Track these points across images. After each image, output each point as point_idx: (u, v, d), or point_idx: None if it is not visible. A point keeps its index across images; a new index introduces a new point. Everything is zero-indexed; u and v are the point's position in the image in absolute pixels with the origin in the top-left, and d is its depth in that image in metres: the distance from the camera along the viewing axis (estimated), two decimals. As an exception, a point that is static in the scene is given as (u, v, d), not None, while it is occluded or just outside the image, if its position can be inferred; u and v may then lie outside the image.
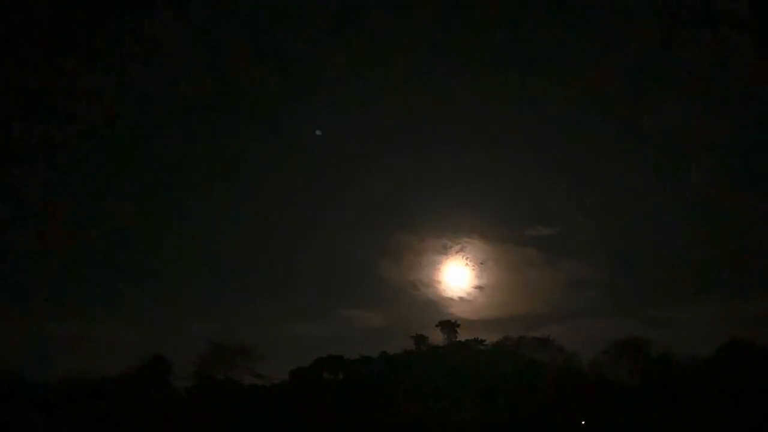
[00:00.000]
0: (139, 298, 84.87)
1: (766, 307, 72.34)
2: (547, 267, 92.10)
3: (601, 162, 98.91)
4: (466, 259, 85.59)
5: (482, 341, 68.83)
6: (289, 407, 57.65)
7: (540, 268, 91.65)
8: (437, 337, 69.80)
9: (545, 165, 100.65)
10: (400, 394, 60.11)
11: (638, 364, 60.31)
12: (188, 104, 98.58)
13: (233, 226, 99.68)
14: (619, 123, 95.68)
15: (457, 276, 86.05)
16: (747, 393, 52.12)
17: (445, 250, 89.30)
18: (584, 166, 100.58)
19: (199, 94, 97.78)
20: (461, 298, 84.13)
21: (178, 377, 61.22)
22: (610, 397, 55.94)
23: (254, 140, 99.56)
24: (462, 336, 69.88)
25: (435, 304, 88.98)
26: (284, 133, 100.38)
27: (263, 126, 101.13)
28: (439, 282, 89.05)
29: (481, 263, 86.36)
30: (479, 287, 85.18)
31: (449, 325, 70.15)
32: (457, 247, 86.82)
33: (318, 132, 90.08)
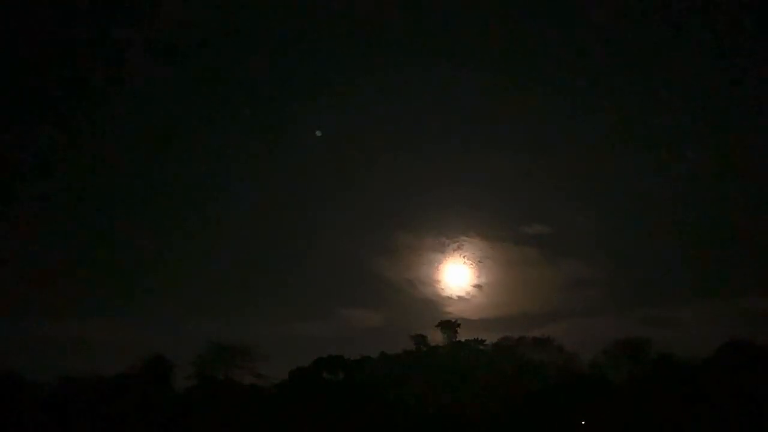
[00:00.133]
0: (139, 298, 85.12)
1: (766, 307, 72.32)
2: (546, 266, 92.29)
3: (600, 161, 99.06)
4: (464, 257, 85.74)
5: (482, 341, 68.71)
6: (289, 407, 57.66)
7: (539, 267, 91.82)
8: (437, 337, 69.74)
9: (543, 164, 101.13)
10: (400, 394, 60.10)
11: (638, 364, 60.30)
12: (189, 104, 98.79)
13: (233, 226, 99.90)
14: (618, 122, 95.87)
15: (456, 275, 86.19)
16: (747, 393, 52.13)
17: (443, 249, 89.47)
18: (583, 166, 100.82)
19: (200, 94, 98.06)
20: (460, 297, 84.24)
21: (178, 377, 61.31)
22: (610, 397, 55.94)
23: (254, 141, 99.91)
24: (461, 335, 69.81)
25: (434, 303, 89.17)
26: (284, 134, 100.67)
27: (263, 126, 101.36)
28: (437, 281, 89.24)
29: (479, 261, 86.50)
30: (478, 286, 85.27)
31: (449, 325, 70.00)
32: (455, 246, 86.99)
33: (318, 133, 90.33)
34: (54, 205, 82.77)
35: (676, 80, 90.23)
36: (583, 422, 56.22)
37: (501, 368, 61.62)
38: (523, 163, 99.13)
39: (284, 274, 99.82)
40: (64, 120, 75.08)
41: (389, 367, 64.88)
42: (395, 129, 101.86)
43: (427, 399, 58.98)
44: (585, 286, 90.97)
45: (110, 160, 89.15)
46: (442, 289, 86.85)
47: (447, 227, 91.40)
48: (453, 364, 63.25)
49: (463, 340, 69.07)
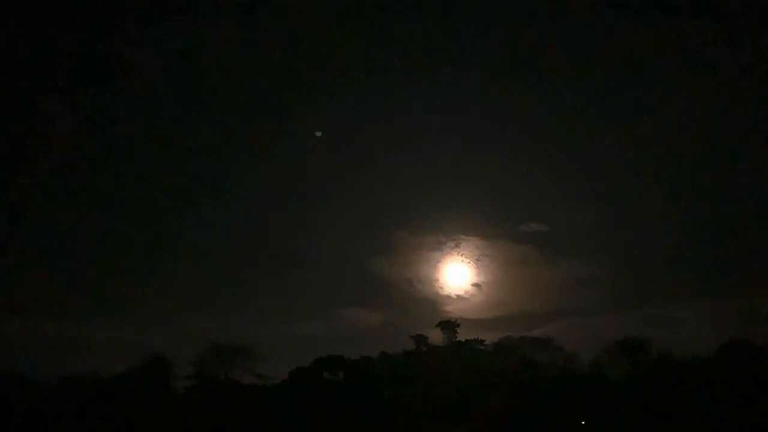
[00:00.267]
0: (139, 298, 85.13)
1: (766, 307, 72.30)
2: (545, 265, 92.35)
3: (600, 161, 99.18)
4: (462, 255, 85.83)
5: (482, 341, 68.78)
6: (289, 407, 57.66)
7: (538, 266, 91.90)
8: (437, 337, 69.79)
9: (541, 162, 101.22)
10: (400, 394, 60.11)
11: (638, 364, 60.30)
12: (189, 105, 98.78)
13: (233, 226, 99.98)
14: (618, 121, 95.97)
15: (454, 274, 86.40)
16: (747, 393, 52.10)
17: (440, 247, 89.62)
18: (582, 165, 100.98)
19: (200, 94, 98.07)
20: (458, 296, 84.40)
21: (178, 377, 61.24)
22: (611, 397, 55.92)
23: (254, 141, 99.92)
24: (460, 335, 69.87)
25: (432, 302, 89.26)
26: (284, 134, 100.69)
27: (263, 126, 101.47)
28: (436, 280, 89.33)
29: (478, 260, 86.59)
30: (477, 285, 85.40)
31: (449, 325, 70.08)
32: (452, 244, 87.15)
33: (318, 133, 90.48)
34: (54, 205, 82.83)
35: (676, 79, 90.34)
36: (583, 422, 56.23)
37: (501, 368, 61.62)
38: (521, 162, 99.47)
39: (284, 274, 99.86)
40: (63, 120, 75.21)
41: (389, 367, 64.92)
42: (393, 129, 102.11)
43: (428, 399, 58.96)
44: (584, 286, 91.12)
45: (110, 159, 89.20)
46: (441, 287, 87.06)
47: (445, 226, 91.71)
48: (453, 364, 63.25)
49: (463, 340, 69.12)
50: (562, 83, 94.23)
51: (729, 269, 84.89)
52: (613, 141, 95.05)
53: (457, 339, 69.53)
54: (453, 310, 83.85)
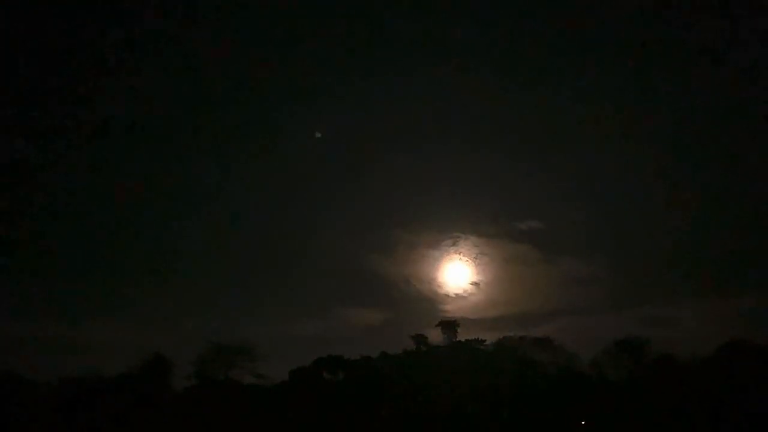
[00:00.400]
0: (139, 298, 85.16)
1: (766, 307, 72.34)
2: (543, 264, 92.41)
3: (600, 161, 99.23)
4: (460, 253, 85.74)
5: (482, 341, 68.64)
6: (289, 407, 57.66)
7: (536, 264, 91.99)
8: (437, 337, 69.69)
9: (539, 162, 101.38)
10: (400, 394, 60.06)
11: (638, 364, 60.28)
12: (189, 106, 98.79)
13: (233, 226, 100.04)
14: (617, 120, 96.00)
15: (453, 272, 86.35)
16: (747, 393, 52.11)
17: (439, 245, 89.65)
18: (582, 165, 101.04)
19: (200, 95, 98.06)
20: (457, 295, 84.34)
21: (178, 377, 61.25)
22: (611, 397, 55.92)
23: (254, 142, 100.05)
24: (460, 334, 69.76)
25: (431, 301, 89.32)
26: (283, 134, 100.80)
27: (263, 127, 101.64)
28: (434, 279, 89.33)
29: (476, 258, 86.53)
30: (475, 283, 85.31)
31: (449, 325, 69.93)
32: (450, 242, 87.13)
33: (318, 134, 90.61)
34: (53, 205, 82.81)
35: (676, 78, 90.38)
36: (583, 422, 56.23)
37: (501, 368, 61.55)
38: (518, 161, 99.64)
39: (284, 274, 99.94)
40: (63, 119, 75.17)
41: (389, 367, 64.83)
42: (391, 130, 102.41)
43: (428, 399, 58.91)
44: (584, 285, 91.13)
45: (111, 160, 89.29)
46: (439, 286, 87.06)
47: (443, 224, 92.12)
48: (453, 363, 63.16)
49: (463, 340, 68.98)
50: (561, 83, 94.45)
51: (729, 269, 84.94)
52: (613, 140, 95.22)
53: (457, 339, 69.41)
54: (452, 309, 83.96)
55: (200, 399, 58.03)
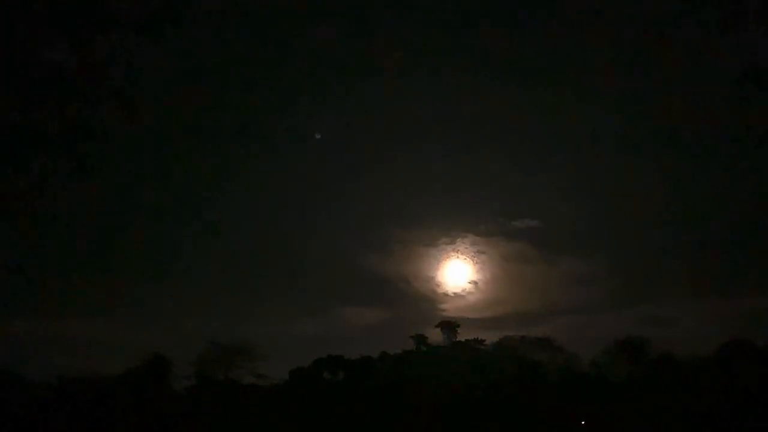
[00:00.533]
0: (139, 298, 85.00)
1: (766, 307, 72.36)
2: (542, 263, 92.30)
3: (600, 161, 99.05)
4: (458, 252, 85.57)
5: (482, 341, 68.67)
6: (289, 407, 57.63)
7: (535, 264, 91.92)
8: (436, 337, 69.71)
9: (538, 161, 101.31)
10: (400, 394, 60.02)
11: (638, 364, 60.28)
12: (188, 106, 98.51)
13: (232, 226, 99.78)
14: (616, 120, 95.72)
15: (451, 271, 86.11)
16: (747, 393, 52.10)
17: (436, 244, 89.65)
18: (582, 165, 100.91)
19: (200, 95, 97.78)
20: (456, 294, 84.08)
21: (178, 377, 61.26)
22: (611, 397, 55.92)
23: (254, 142, 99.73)
24: (460, 334, 69.78)
25: (430, 300, 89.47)
26: (283, 134, 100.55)
27: (262, 128, 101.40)
28: (433, 278, 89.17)
29: (474, 257, 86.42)
30: (474, 282, 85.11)
31: (449, 325, 69.99)
32: (448, 240, 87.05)
33: (318, 135, 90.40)
34: (53, 205, 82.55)
35: (675, 77, 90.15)
36: (583, 422, 56.22)
37: (501, 368, 61.55)
38: (518, 160, 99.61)
39: (283, 274, 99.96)
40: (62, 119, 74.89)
41: (389, 367, 64.82)
42: (389, 129, 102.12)
43: (428, 399, 58.88)
44: (584, 285, 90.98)
45: (109, 160, 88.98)
46: (438, 285, 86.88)
47: (440, 222, 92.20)
48: (453, 363, 63.17)
49: (463, 340, 68.99)
50: (561, 83, 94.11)
51: (729, 269, 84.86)
52: (613, 140, 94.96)
53: (457, 339, 69.45)
54: (450, 308, 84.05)
55: (200, 399, 58.03)
